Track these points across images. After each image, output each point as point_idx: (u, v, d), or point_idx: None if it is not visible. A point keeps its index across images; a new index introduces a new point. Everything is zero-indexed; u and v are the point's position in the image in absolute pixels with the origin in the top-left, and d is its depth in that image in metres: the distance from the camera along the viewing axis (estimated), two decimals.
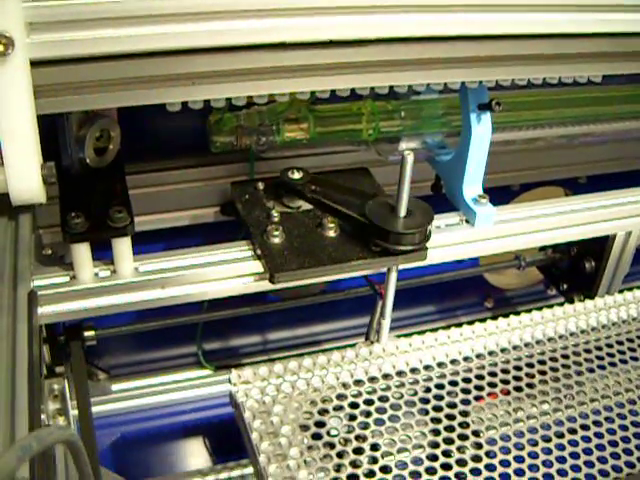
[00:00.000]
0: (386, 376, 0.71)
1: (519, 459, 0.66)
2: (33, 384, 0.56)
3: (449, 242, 0.78)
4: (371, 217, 0.71)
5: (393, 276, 0.74)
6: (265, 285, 0.71)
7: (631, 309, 0.83)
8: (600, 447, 0.67)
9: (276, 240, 0.72)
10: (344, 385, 0.70)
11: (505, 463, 0.65)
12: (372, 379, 0.71)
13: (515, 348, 0.76)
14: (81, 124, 0.73)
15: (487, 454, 0.65)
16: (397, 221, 0.70)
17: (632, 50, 0.76)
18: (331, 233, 0.73)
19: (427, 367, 0.73)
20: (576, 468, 0.65)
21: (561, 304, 0.83)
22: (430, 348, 0.74)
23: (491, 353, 0.75)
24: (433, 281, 0.91)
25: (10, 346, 0.59)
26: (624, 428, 0.70)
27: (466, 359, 0.74)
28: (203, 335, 0.99)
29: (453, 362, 0.74)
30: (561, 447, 0.67)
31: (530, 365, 0.75)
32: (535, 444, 0.67)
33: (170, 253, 0.72)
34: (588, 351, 0.77)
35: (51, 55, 0.57)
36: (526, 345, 0.77)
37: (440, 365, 0.73)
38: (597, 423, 0.70)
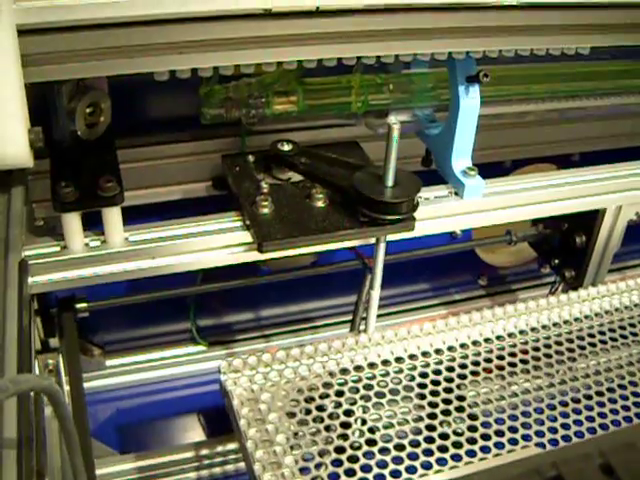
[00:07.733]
0: (372, 365, 0.72)
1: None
2: (22, 355, 0.57)
3: (437, 214, 0.79)
4: (359, 187, 0.71)
5: (381, 247, 0.75)
6: (254, 255, 0.72)
7: (624, 298, 0.83)
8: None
9: (265, 210, 0.72)
10: (330, 374, 0.71)
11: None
12: (358, 368, 0.72)
13: (498, 338, 0.77)
14: (72, 96, 0.73)
15: (482, 437, 0.66)
16: (384, 191, 0.70)
17: (619, 22, 0.77)
18: (320, 204, 0.74)
19: (412, 356, 0.73)
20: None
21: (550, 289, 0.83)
22: (415, 338, 0.75)
23: (475, 343, 0.76)
24: (424, 255, 0.91)
25: (0, 314, 0.60)
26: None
27: (450, 349, 0.75)
28: (197, 312, 1.00)
29: (438, 352, 0.74)
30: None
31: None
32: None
33: (160, 224, 0.73)
34: (581, 338, 0.78)
35: (37, 21, 0.58)
36: (510, 335, 0.77)
37: (425, 354, 0.74)
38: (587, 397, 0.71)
